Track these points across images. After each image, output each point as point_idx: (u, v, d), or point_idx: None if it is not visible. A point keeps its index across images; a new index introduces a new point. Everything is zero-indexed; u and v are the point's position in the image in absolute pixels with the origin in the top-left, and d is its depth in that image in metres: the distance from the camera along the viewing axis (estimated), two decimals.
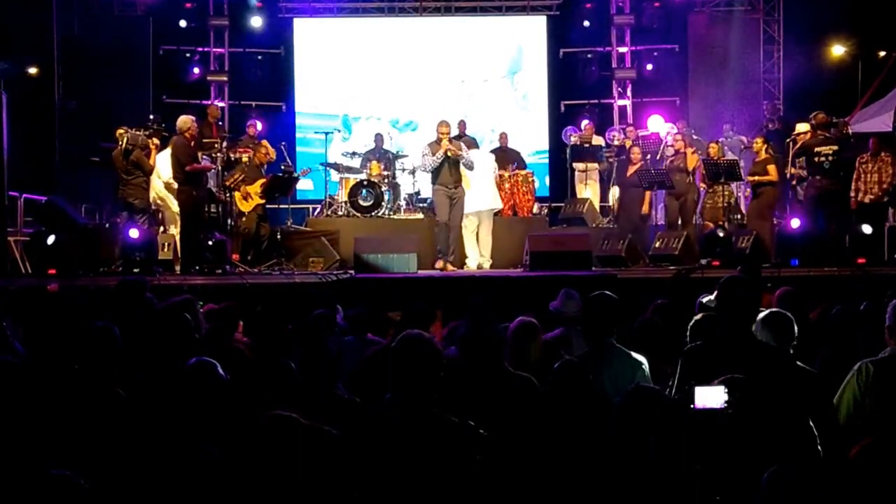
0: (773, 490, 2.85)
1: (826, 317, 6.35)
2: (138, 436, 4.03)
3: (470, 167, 12.41)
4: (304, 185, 16.64)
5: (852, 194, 12.69)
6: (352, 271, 11.51)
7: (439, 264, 12.29)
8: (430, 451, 3.62)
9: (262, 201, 13.19)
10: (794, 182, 14.00)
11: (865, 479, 3.03)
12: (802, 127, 13.28)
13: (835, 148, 12.44)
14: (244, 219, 13.06)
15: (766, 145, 13.27)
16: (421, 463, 3.59)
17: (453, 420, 3.74)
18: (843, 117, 13.76)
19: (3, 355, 4.75)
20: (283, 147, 14.82)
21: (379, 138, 16.33)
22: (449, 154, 12.10)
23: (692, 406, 3.62)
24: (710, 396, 3.64)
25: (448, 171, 12.24)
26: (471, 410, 3.94)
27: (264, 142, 14.10)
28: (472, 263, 12.86)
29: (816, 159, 12.52)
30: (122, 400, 4.40)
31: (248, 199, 13.03)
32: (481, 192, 12.93)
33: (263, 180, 13.24)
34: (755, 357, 4.43)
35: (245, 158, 13.40)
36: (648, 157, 14.41)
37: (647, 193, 13.72)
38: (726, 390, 3.64)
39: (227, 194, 12.95)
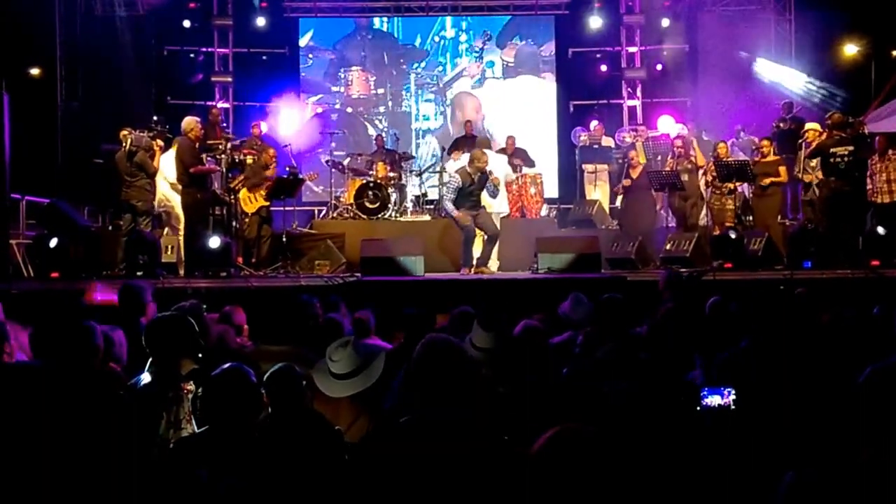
0: (793, 495, 2.74)
1: (839, 320, 6.17)
2: (141, 440, 3.96)
3: (493, 195, 12.19)
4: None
5: (869, 191, 12.53)
6: (358, 274, 11.40)
7: (485, 269, 11.98)
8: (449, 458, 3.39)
9: (267, 203, 13.07)
10: (802, 183, 13.81)
11: (875, 485, 2.92)
12: (811, 126, 13.08)
13: (850, 148, 12.22)
14: (247, 220, 12.95)
15: (772, 146, 13.14)
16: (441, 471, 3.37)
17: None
18: (857, 117, 13.52)
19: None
20: (288, 149, 14.70)
21: (379, 139, 16.20)
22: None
23: (698, 407, 3.60)
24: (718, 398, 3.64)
25: (470, 196, 11.85)
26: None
27: (271, 149, 13.94)
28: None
29: (832, 160, 12.29)
30: (126, 404, 4.22)
31: (253, 200, 12.92)
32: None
33: (269, 182, 13.13)
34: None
35: (250, 160, 13.30)
36: (659, 158, 14.25)
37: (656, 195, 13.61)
38: (733, 390, 3.61)
39: (232, 196, 12.84)
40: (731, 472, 3.51)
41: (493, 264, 12.63)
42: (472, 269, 11.90)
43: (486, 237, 12.05)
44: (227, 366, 3.93)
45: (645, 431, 3.75)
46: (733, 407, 3.70)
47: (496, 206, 12.98)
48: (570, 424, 2.73)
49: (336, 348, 4.59)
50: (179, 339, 4.57)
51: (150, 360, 4.53)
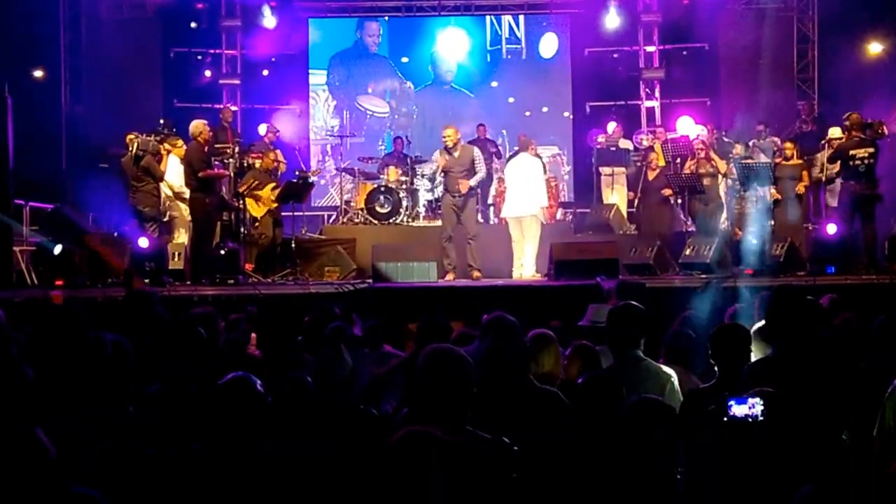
0: None
1: (860, 326, 6.12)
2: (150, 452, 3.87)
3: (478, 180, 12.38)
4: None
5: None
6: (369, 280, 11.33)
7: (449, 276, 12.04)
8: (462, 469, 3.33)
9: (275, 205, 12.89)
10: (828, 186, 13.50)
11: None
12: (835, 132, 12.74)
13: (871, 150, 11.85)
14: (258, 224, 12.78)
15: (795, 148, 12.85)
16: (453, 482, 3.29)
17: (486, 437, 3.49)
18: (879, 118, 13.14)
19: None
20: (297, 152, 14.49)
21: (398, 142, 15.96)
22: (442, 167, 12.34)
23: (724, 418, 3.53)
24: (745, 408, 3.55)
25: (452, 178, 12.19)
26: (492, 424, 3.71)
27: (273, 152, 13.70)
28: (515, 273, 12.43)
29: (851, 163, 11.92)
30: (132, 415, 4.19)
31: (260, 203, 12.74)
32: (517, 196, 12.56)
33: (274, 184, 12.97)
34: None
35: (258, 164, 13.13)
36: (678, 160, 13.97)
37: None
38: (762, 401, 3.53)
39: (240, 201, 12.64)
40: (756, 484, 3.43)
41: (528, 272, 12.43)
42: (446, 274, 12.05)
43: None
44: (232, 375, 3.89)
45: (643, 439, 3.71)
46: (761, 418, 3.57)
47: (524, 208, 12.57)
48: (418, 427, 2.85)
49: None
50: (192, 346, 4.65)
51: (164, 368, 4.58)
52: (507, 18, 18.90)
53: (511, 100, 18.77)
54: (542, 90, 18.75)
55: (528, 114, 18.32)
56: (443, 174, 12.46)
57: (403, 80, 19.07)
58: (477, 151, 12.49)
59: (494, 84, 18.86)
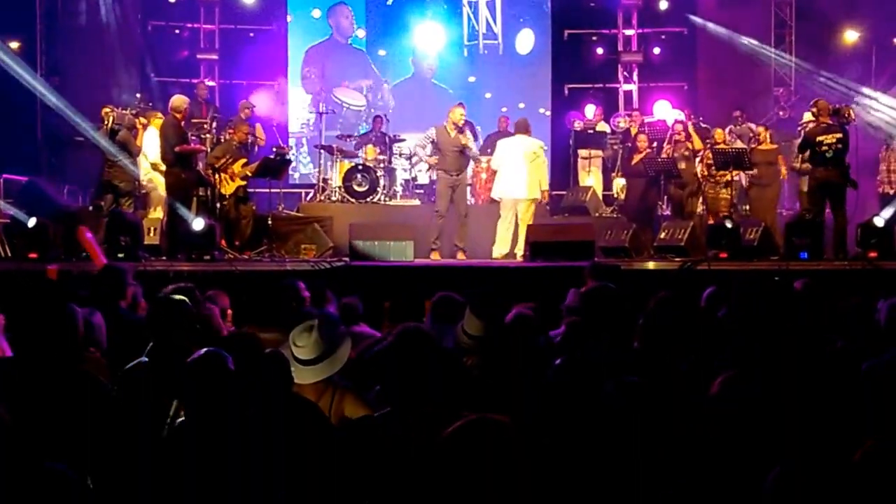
0: (778, 492, 2.65)
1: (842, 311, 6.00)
2: (128, 429, 3.85)
3: (474, 158, 12.64)
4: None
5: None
6: (346, 259, 11.27)
7: (434, 255, 12.11)
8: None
9: (244, 183, 12.80)
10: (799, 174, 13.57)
11: (868, 482, 2.85)
12: (809, 116, 12.76)
13: (839, 136, 11.66)
14: (225, 202, 12.67)
15: (767, 133, 12.92)
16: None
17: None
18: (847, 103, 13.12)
19: None
20: (274, 128, 14.41)
21: (377, 120, 15.92)
22: (462, 143, 12.41)
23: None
24: None
25: (452, 157, 12.33)
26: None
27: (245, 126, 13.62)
28: (495, 252, 12.35)
29: (818, 149, 11.78)
30: (107, 390, 4.18)
31: (229, 181, 12.66)
32: (518, 178, 12.35)
33: (245, 160, 12.86)
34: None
35: (233, 138, 13.05)
36: (655, 144, 14.01)
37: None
38: None
39: (216, 176, 12.55)
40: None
41: (516, 251, 12.45)
42: (431, 253, 12.21)
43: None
44: (204, 351, 3.85)
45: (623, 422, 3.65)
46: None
47: (524, 192, 12.40)
48: (485, 415, 2.67)
49: (300, 333, 4.49)
50: (183, 320, 4.64)
51: (151, 343, 4.56)
52: (483, 14, 18.76)
53: (488, 95, 18.59)
54: (519, 86, 18.61)
55: (504, 109, 18.09)
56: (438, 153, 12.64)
57: (380, 73, 18.95)
58: (466, 132, 12.67)
59: (472, 79, 18.71)
